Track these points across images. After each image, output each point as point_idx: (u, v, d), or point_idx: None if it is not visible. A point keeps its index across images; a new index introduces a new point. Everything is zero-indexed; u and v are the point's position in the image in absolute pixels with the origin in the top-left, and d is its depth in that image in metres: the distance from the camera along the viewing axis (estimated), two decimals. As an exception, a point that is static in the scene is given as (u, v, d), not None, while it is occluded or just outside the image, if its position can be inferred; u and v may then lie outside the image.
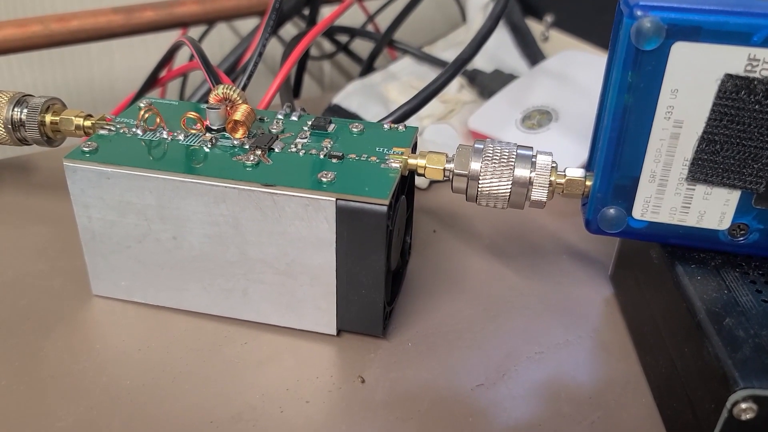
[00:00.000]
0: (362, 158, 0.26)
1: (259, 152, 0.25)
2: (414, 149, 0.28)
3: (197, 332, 0.27)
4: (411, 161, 0.26)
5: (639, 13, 0.21)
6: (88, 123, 0.28)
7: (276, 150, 0.26)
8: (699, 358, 0.21)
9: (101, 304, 0.28)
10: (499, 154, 0.25)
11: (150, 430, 0.23)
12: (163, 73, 0.39)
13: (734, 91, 0.22)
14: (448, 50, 0.47)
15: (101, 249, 0.27)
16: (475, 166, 0.25)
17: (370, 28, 0.52)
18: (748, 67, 0.21)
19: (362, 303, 0.25)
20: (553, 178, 0.26)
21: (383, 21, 0.51)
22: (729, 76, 0.22)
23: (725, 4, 0.21)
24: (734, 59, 0.21)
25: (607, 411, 0.24)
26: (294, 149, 0.26)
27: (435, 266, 0.31)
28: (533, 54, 0.47)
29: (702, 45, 0.21)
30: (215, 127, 0.27)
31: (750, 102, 0.22)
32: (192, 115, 0.27)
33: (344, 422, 0.23)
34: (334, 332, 0.26)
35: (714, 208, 0.24)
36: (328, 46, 0.54)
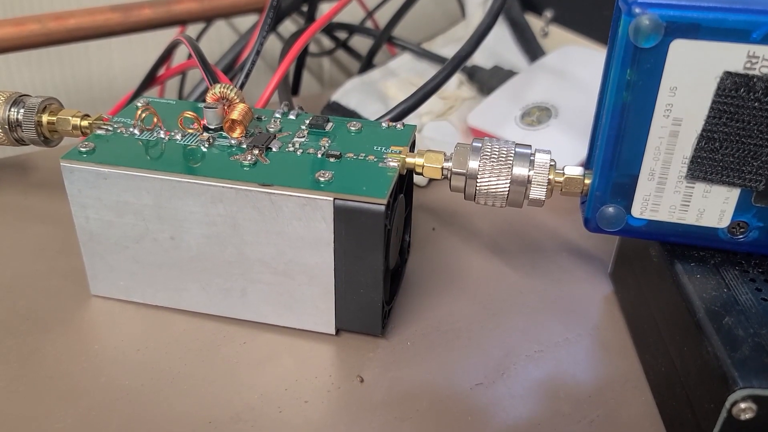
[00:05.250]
0: (360, 157, 0.25)
1: (256, 152, 0.25)
2: (412, 148, 0.28)
3: (196, 332, 0.27)
4: (409, 160, 0.26)
5: (637, 10, 0.21)
6: (85, 123, 0.28)
7: (273, 149, 0.26)
8: (698, 357, 0.21)
9: (100, 304, 0.28)
10: (497, 153, 0.25)
11: (148, 431, 0.23)
12: (162, 72, 0.39)
13: (733, 89, 0.22)
14: (447, 46, 0.47)
15: (99, 249, 0.26)
16: (473, 164, 0.25)
17: (369, 24, 0.52)
18: (748, 65, 0.21)
19: (361, 302, 0.25)
20: (551, 177, 0.25)
21: (382, 17, 0.51)
22: (728, 74, 0.21)
23: (724, 1, 0.21)
24: (733, 56, 0.21)
25: (606, 409, 0.24)
26: (291, 148, 0.26)
27: (434, 264, 0.31)
28: (533, 50, 0.47)
29: (701, 42, 0.21)
30: (212, 127, 0.27)
31: (749, 99, 0.22)
32: (189, 114, 0.27)
33: (343, 422, 0.23)
34: (333, 332, 0.26)
35: (713, 206, 0.24)
36: (327, 42, 0.54)
